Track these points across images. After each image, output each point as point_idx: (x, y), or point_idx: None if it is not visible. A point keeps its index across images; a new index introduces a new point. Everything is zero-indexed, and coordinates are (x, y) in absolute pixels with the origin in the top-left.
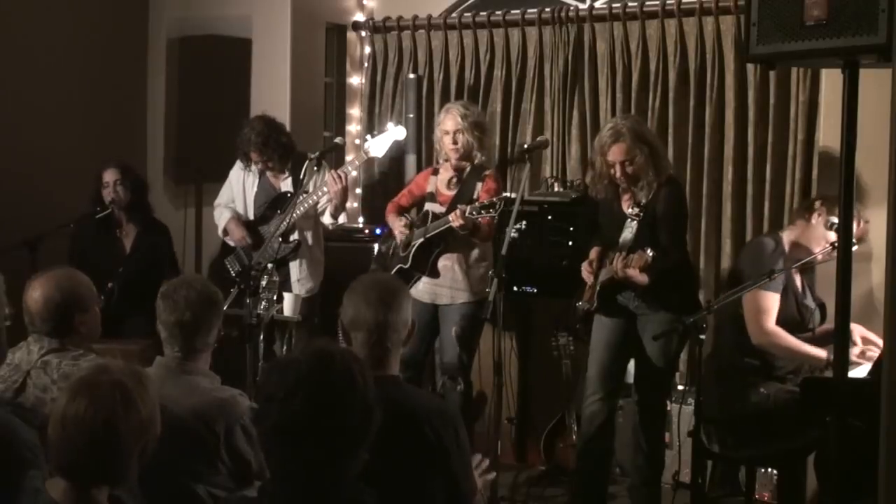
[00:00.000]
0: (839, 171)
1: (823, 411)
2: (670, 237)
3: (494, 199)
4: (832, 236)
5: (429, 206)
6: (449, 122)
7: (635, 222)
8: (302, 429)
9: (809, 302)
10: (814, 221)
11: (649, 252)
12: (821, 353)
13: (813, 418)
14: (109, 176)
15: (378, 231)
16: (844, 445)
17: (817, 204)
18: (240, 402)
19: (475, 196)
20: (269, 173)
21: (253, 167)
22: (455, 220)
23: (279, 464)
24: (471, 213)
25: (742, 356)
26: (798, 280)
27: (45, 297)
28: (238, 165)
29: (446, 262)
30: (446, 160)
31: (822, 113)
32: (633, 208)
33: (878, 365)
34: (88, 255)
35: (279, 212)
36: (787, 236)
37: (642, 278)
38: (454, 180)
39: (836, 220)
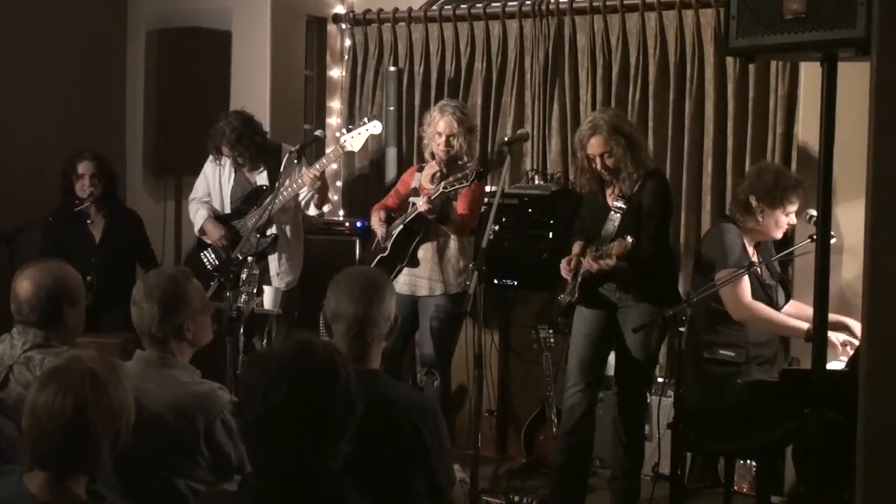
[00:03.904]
0: (818, 164)
1: (801, 403)
2: (654, 230)
3: (459, 175)
4: (784, 221)
5: (412, 200)
6: (443, 124)
7: (619, 215)
8: (284, 420)
9: (769, 280)
10: (761, 220)
11: (629, 239)
12: (801, 324)
13: (791, 410)
14: (85, 168)
15: (359, 225)
16: (822, 437)
17: (754, 203)
18: (220, 396)
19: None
20: (249, 170)
21: (225, 161)
22: (422, 204)
23: (260, 456)
24: (443, 189)
25: (717, 349)
26: (756, 260)
27: (38, 286)
28: (211, 158)
29: (426, 254)
30: (432, 156)
31: (801, 106)
32: (617, 201)
33: (855, 357)
34: (60, 247)
35: (255, 206)
36: (743, 224)
37: (620, 266)
38: (437, 175)
39: (814, 212)
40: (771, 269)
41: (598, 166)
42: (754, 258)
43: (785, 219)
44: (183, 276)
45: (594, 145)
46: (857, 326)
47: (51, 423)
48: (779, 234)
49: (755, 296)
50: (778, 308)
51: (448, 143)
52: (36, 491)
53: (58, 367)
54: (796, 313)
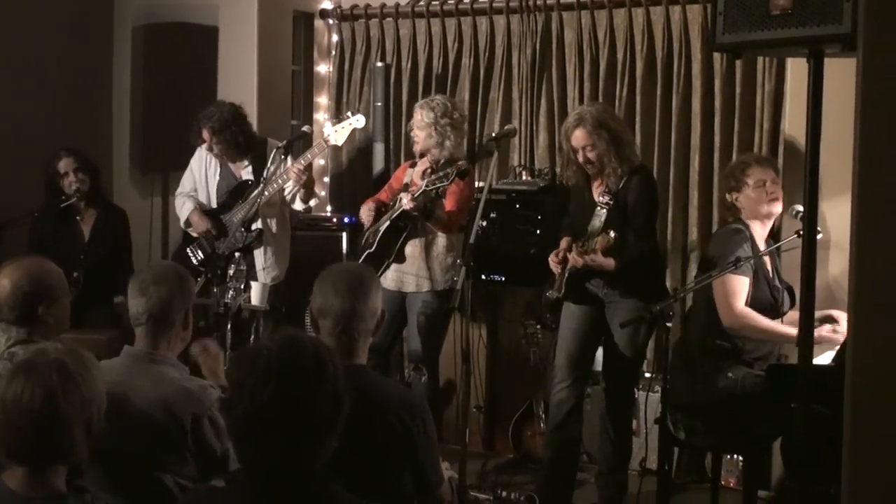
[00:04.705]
0: (804, 160)
1: (789, 398)
2: (640, 227)
3: (441, 174)
4: (761, 194)
5: (400, 196)
6: (415, 118)
7: (604, 210)
8: (271, 416)
9: (778, 283)
10: (743, 207)
11: (612, 234)
12: (792, 331)
13: (779, 405)
14: (67, 165)
15: (346, 220)
16: (810, 431)
17: (729, 199)
18: (209, 393)
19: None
20: (230, 162)
21: (211, 158)
22: (406, 202)
23: (248, 453)
24: (425, 187)
25: (714, 338)
26: (769, 263)
27: (14, 285)
28: (199, 153)
29: (413, 250)
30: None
31: (788, 102)
32: (603, 196)
33: (842, 351)
34: (48, 244)
35: (241, 201)
36: (748, 221)
37: (607, 262)
38: (428, 171)
39: (800, 208)
40: (780, 275)
41: (581, 159)
42: (768, 266)
43: (760, 190)
44: (183, 269)
45: (577, 137)
46: (843, 317)
47: (21, 415)
48: (771, 207)
49: (760, 295)
50: (782, 313)
51: (415, 136)
52: (15, 487)
53: (24, 360)
54: (787, 320)
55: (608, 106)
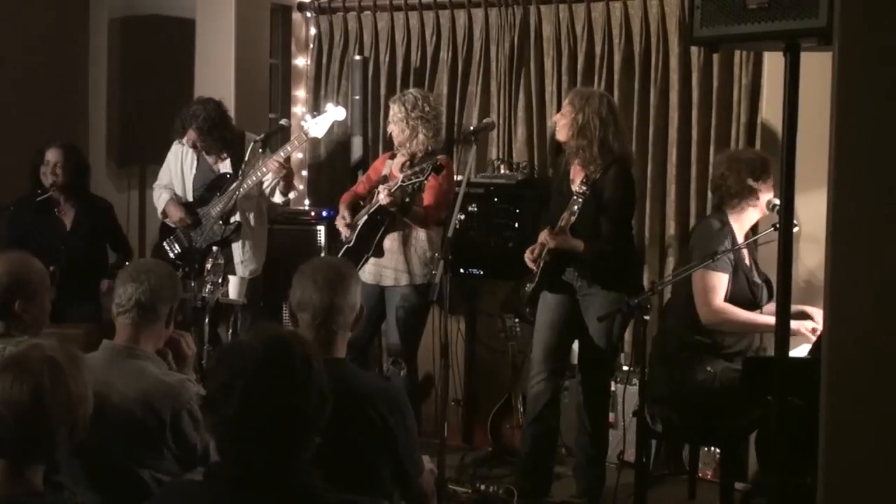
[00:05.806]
0: (781, 153)
1: (765, 390)
2: (614, 221)
3: (417, 169)
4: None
5: (380, 188)
6: (390, 112)
7: (580, 199)
8: (261, 415)
9: (757, 278)
10: (763, 190)
11: (575, 207)
12: (769, 319)
13: (755, 397)
14: (52, 156)
15: (324, 214)
16: (785, 424)
17: (754, 184)
18: (188, 387)
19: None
20: (209, 156)
21: (188, 150)
22: (383, 197)
23: (233, 450)
24: (401, 182)
25: (693, 333)
26: (747, 258)
27: None
28: (176, 146)
29: (392, 244)
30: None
31: (765, 96)
32: (581, 186)
33: (818, 344)
34: (27, 237)
35: (218, 193)
36: (731, 216)
37: (577, 243)
38: (407, 164)
39: (777, 201)
40: (758, 268)
41: (555, 118)
42: (746, 260)
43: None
44: (174, 270)
45: (564, 103)
46: (818, 314)
47: (7, 410)
48: (774, 200)
49: (739, 290)
50: (760, 307)
51: (390, 130)
52: None
53: (17, 354)
54: (766, 312)
55: (605, 93)
